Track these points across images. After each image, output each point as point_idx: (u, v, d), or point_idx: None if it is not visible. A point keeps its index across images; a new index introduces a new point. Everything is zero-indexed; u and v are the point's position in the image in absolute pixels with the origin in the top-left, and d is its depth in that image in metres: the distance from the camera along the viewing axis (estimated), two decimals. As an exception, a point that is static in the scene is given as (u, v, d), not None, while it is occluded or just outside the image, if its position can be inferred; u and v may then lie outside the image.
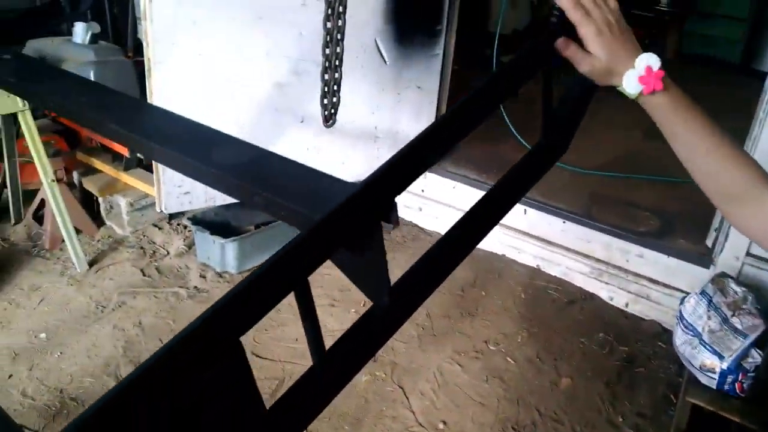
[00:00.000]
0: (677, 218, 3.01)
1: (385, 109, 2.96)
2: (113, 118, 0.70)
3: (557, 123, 0.84)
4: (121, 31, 3.45)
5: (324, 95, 1.34)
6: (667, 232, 2.91)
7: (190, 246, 2.92)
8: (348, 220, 0.55)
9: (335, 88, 1.33)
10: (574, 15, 0.80)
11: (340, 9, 1.26)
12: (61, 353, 2.27)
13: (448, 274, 0.69)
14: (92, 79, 2.58)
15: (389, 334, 0.62)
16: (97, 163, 3.01)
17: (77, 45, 2.66)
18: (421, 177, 2.69)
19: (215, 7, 2.34)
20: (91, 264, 2.78)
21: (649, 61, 0.83)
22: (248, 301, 0.47)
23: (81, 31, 2.67)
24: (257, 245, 2.82)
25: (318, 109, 2.64)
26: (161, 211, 2.55)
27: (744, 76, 5.68)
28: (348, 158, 2.94)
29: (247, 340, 2.35)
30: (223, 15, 2.37)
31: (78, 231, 2.91)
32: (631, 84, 0.82)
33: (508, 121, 3.58)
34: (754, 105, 2.49)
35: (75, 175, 3.08)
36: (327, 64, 1.30)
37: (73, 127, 3.03)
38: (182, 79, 2.38)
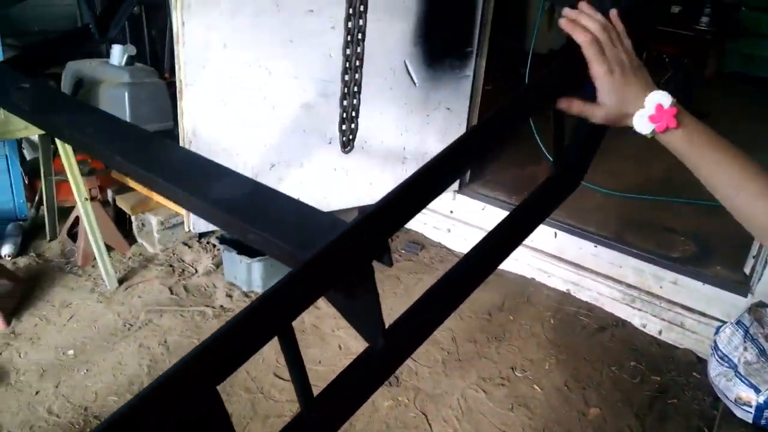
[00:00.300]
0: (714, 244, 2.92)
1: (413, 130, 2.95)
2: (118, 151, 0.71)
3: (570, 155, 0.82)
4: (158, 53, 3.54)
5: (342, 121, 1.34)
6: (702, 258, 2.82)
7: (218, 265, 2.95)
8: (337, 261, 0.54)
9: (353, 114, 1.32)
10: (588, 52, 0.79)
11: (359, 36, 1.26)
12: (87, 370, 2.31)
13: (448, 315, 0.67)
14: (127, 99, 2.65)
15: (383, 378, 0.60)
16: (130, 182, 3.07)
17: (114, 66, 2.73)
18: (450, 198, 2.67)
19: (246, 31, 2.37)
20: (121, 281, 2.83)
21: (660, 99, 0.81)
22: (226, 349, 0.46)
23: (118, 53, 2.74)
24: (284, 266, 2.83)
25: (346, 130, 2.66)
26: (189, 230, 2.57)
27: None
28: (375, 179, 2.94)
29: (270, 360, 2.35)
30: (253, 38, 2.40)
31: (110, 248, 2.97)
32: (642, 124, 0.81)
33: (538, 140, 3.54)
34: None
35: (109, 193, 3.15)
36: (345, 91, 1.30)
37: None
38: (212, 101, 2.42)
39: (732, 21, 5.22)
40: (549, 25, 6.14)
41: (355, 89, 1.30)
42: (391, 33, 2.68)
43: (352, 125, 1.33)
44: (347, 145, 1.33)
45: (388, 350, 0.59)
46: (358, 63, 1.28)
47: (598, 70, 0.78)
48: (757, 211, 0.80)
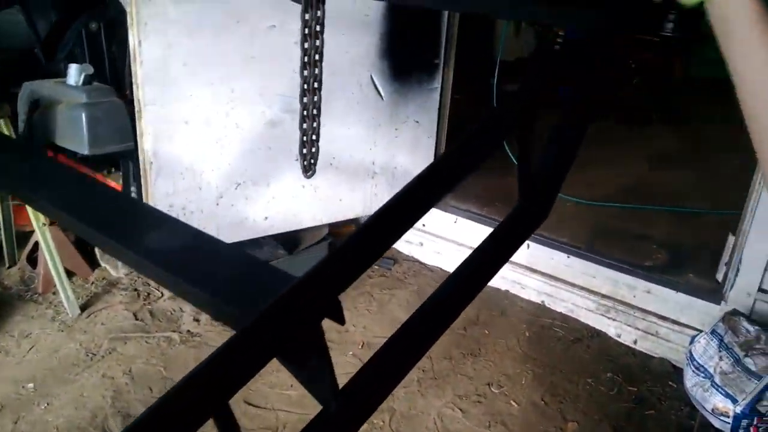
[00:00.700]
0: (686, 251, 2.92)
1: (382, 144, 2.91)
2: (51, 197, 0.65)
3: (537, 186, 0.78)
4: (119, 71, 3.44)
5: (303, 145, 1.29)
6: (675, 266, 2.82)
7: (185, 287, 2.86)
8: (282, 325, 0.48)
9: (314, 137, 1.27)
10: None
11: (316, 57, 1.21)
12: (48, 404, 2.21)
13: (410, 368, 0.62)
14: (84, 120, 2.56)
15: (339, 443, 0.55)
16: (92, 204, 2.97)
17: (71, 87, 2.63)
18: None
19: (206, 49, 2.31)
20: (83, 308, 2.73)
21: None
22: (149, 440, 0.40)
23: (74, 73, 2.64)
24: (253, 286, 2.76)
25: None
26: (153, 254, 2.49)
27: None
28: (345, 195, 2.89)
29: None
30: (214, 56, 2.34)
31: (72, 273, 2.87)
32: None
33: (507, 149, 3.53)
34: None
35: (70, 216, 3.04)
36: (305, 113, 1.25)
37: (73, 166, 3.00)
38: (173, 120, 2.35)
39: (696, 26, 5.28)
40: (516, 33, 6.17)
41: (315, 112, 1.25)
42: (356, 47, 2.64)
43: (313, 149, 1.28)
44: (309, 169, 1.28)
45: (342, 414, 0.54)
46: (316, 85, 1.23)
47: None
48: None
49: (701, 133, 4.65)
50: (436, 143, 3.11)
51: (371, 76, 2.74)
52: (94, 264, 3.01)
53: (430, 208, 0.65)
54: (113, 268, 2.96)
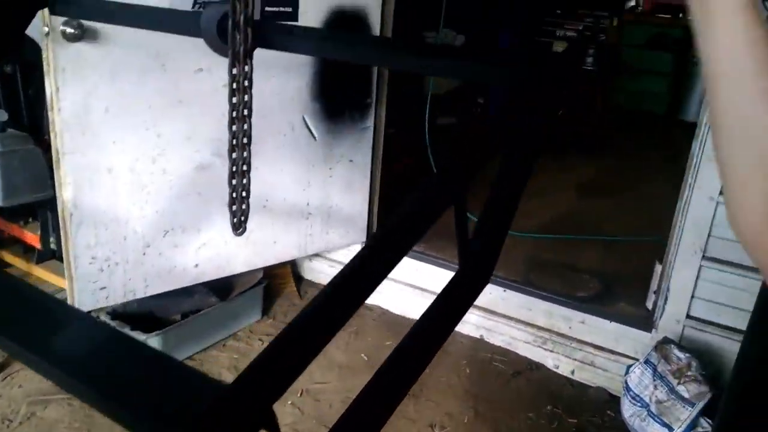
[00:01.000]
0: (616, 280, 3.00)
1: (316, 185, 2.87)
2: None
3: (476, 252, 0.76)
4: (37, 115, 3.28)
5: (232, 202, 1.24)
6: (607, 295, 2.89)
7: (112, 341, 2.71)
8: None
9: (243, 194, 1.23)
10: None
11: (245, 112, 1.18)
12: (-42, 481, 2.03)
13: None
14: (-1, 169, 2.42)
15: None
16: (8, 256, 2.79)
17: (-19, 134, 2.49)
18: (358, 248, 2.56)
19: (130, 94, 2.23)
20: (0, 368, 2.54)
21: None
22: None
23: (-15, 120, 2.50)
24: (185, 337, 2.65)
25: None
26: (76, 309, 2.35)
27: (670, 126, 5.93)
28: (279, 238, 2.83)
29: None
30: (139, 101, 2.26)
31: (-14, 332, 2.67)
32: None
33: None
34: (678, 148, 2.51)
35: (-16, 269, 2.85)
36: (234, 169, 1.21)
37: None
38: (95, 169, 2.24)
39: (615, 60, 5.54)
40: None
41: (244, 168, 1.21)
42: (287, 89, 2.61)
43: (243, 206, 1.23)
44: (239, 227, 1.23)
45: None
46: (245, 140, 1.19)
47: None
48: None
49: (624, 162, 4.84)
50: (371, 181, 3.10)
51: (303, 117, 2.71)
52: (10, 320, 2.81)
53: (365, 299, 0.62)
54: (32, 324, 2.78)
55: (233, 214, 1.24)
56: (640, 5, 6.34)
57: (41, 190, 2.46)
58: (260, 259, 2.81)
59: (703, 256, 2.40)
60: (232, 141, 1.21)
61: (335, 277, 0.58)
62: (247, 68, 1.17)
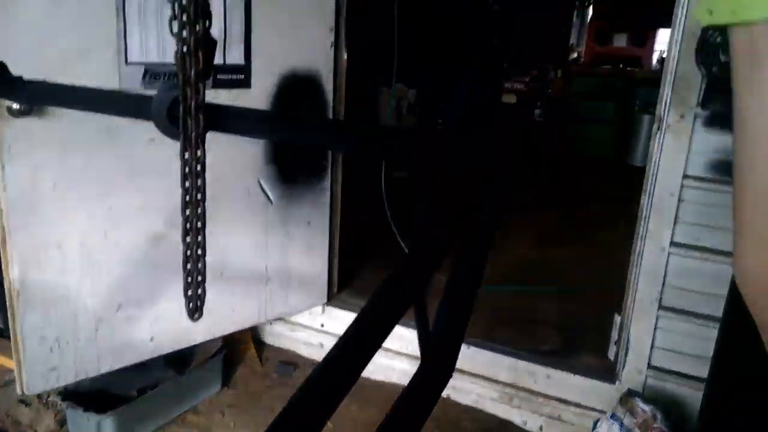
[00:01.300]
0: (578, 332, 3.02)
1: (274, 249, 2.84)
2: None
3: (437, 346, 0.75)
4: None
5: (188, 287, 1.20)
6: (571, 348, 2.90)
7: (63, 424, 2.58)
8: None
9: (199, 278, 1.20)
10: None
11: (198, 197, 1.16)
12: None
13: None
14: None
15: None
16: (-49, 337, 2.65)
17: None
18: (319, 311, 2.51)
19: (80, 168, 2.18)
20: (-61, 461, 2.38)
21: None
22: None
23: (-74, 197, 2.41)
24: (142, 414, 2.53)
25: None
26: (22, 393, 2.24)
27: (618, 170, 6.12)
28: (238, 305, 2.77)
29: None
30: (89, 175, 2.21)
31: (-75, 420, 2.51)
32: None
33: (397, 233, 3.57)
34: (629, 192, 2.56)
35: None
36: (188, 253, 1.18)
37: None
38: (44, 246, 2.16)
39: (561, 111, 5.74)
40: (398, 119, 6.41)
41: (199, 252, 1.18)
42: (241, 154, 2.60)
43: (199, 290, 1.20)
44: (195, 312, 1.20)
45: None
46: (200, 224, 1.17)
47: None
48: None
49: (579, 209, 4.95)
50: (330, 242, 3.08)
51: (259, 182, 2.70)
52: (-48, 406, 2.66)
53: (333, 411, 0.60)
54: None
55: (189, 299, 1.21)
56: (581, 57, 6.62)
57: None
58: (219, 328, 2.74)
59: (660, 306, 2.44)
60: (185, 226, 1.18)
61: (297, 392, 0.55)
62: (199, 153, 1.15)
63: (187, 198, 1.18)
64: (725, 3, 0.65)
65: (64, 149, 2.14)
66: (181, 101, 1.13)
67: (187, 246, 1.20)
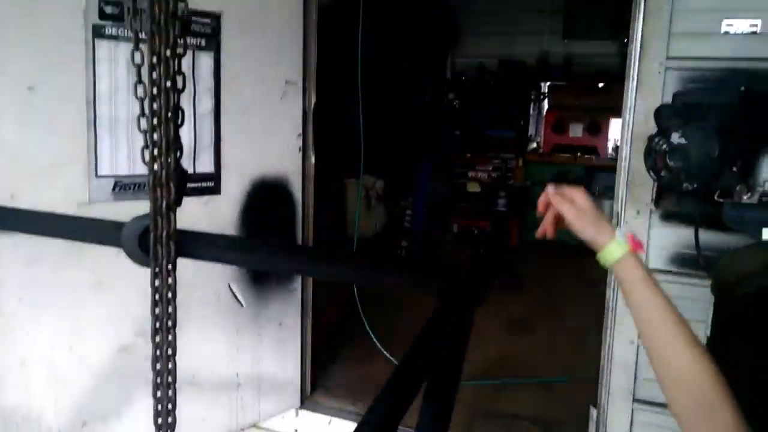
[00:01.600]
0: (557, 425, 2.98)
1: (246, 351, 2.80)
2: None
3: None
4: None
5: (158, 414, 1.18)
6: (548, 443, 2.86)
7: None
8: None
9: (169, 407, 1.18)
10: (559, 206, 1.10)
11: (169, 323, 1.16)
12: None
13: None
14: None
15: None
16: None
17: None
18: (293, 415, 2.43)
19: (45, 281, 2.16)
20: None
21: (629, 231, 1.07)
22: None
23: None
24: None
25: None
26: None
27: (582, 254, 6.20)
28: (209, 413, 2.69)
29: None
30: (55, 287, 2.19)
31: None
32: (619, 246, 1.03)
33: (373, 336, 3.55)
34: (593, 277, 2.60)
35: None
36: (159, 381, 1.16)
37: None
38: (6, 363, 2.11)
39: (524, 199, 5.90)
40: (368, 210, 6.50)
41: (169, 379, 1.17)
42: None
43: (169, 419, 1.18)
44: (165, 438, 1.17)
45: None
46: (170, 351, 1.16)
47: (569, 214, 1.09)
48: (677, 354, 0.93)
49: (547, 296, 4.99)
50: (302, 343, 3.05)
51: (229, 285, 2.69)
52: None
53: None
54: None
55: (159, 427, 1.18)
56: (541, 147, 6.87)
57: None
58: (188, 440, 2.64)
59: (634, 399, 2.45)
60: (155, 353, 1.17)
61: None
62: (170, 280, 1.16)
63: (157, 325, 1.18)
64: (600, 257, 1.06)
65: (30, 264, 2.12)
66: (152, 230, 1.15)
67: (157, 373, 1.18)
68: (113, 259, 2.27)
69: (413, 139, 6.65)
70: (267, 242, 1.24)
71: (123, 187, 2.33)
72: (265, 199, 2.76)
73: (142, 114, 1.13)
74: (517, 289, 5.06)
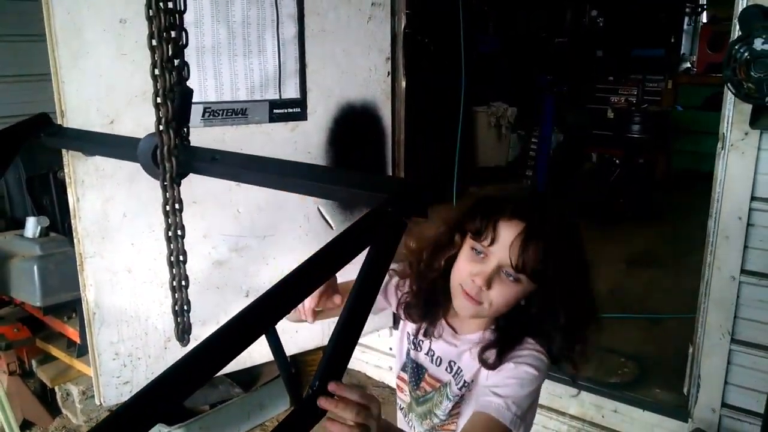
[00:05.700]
0: (653, 364, 2.81)
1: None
2: None
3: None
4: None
5: (176, 314, 1.30)
6: (642, 380, 2.71)
7: (141, 433, 2.80)
8: None
9: (186, 308, 1.29)
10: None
11: (179, 233, 1.25)
12: None
13: None
14: (36, 272, 2.63)
15: None
16: (54, 350, 2.99)
17: (26, 239, 2.74)
18: (387, 334, 2.53)
19: (145, 198, 2.38)
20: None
21: None
22: None
23: (31, 226, 2.76)
24: (210, 429, 2.70)
25: (262, 282, 2.63)
26: (100, 404, 2.47)
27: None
28: (301, 326, 2.86)
29: None
30: (154, 204, 2.40)
31: (31, 424, 2.84)
32: None
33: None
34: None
35: (33, 363, 3.05)
36: (174, 284, 1.28)
37: (36, 314, 3.04)
38: (115, 271, 2.39)
39: (662, 126, 5.39)
40: (498, 139, 6.32)
41: (183, 283, 1.27)
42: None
43: (185, 318, 1.29)
44: (182, 338, 1.29)
45: None
46: (182, 258, 1.25)
47: None
48: None
49: (679, 230, 4.60)
50: (394, 266, 3.11)
51: (318, 209, 2.80)
52: (54, 412, 2.98)
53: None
54: (73, 416, 2.93)
55: (177, 324, 1.30)
56: (694, 67, 6.17)
57: (76, 288, 2.64)
58: (296, 346, 2.85)
59: (732, 340, 2.23)
60: (169, 258, 1.28)
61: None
62: (175, 192, 1.25)
63: (169, 233, 1.28)
64: None
65: (131, 182, 2.35)
66: (158, 145, 1.23)
67: (172, 277, 1.30)
68: (203, 179, 2.49)
69: (549, 62, 6.29)
70: (263, 160, 1.28)
71: (212, 113, 2.48)
72: (353, 124, 2.80)
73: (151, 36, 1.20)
74: (649, 221, 4.71)
